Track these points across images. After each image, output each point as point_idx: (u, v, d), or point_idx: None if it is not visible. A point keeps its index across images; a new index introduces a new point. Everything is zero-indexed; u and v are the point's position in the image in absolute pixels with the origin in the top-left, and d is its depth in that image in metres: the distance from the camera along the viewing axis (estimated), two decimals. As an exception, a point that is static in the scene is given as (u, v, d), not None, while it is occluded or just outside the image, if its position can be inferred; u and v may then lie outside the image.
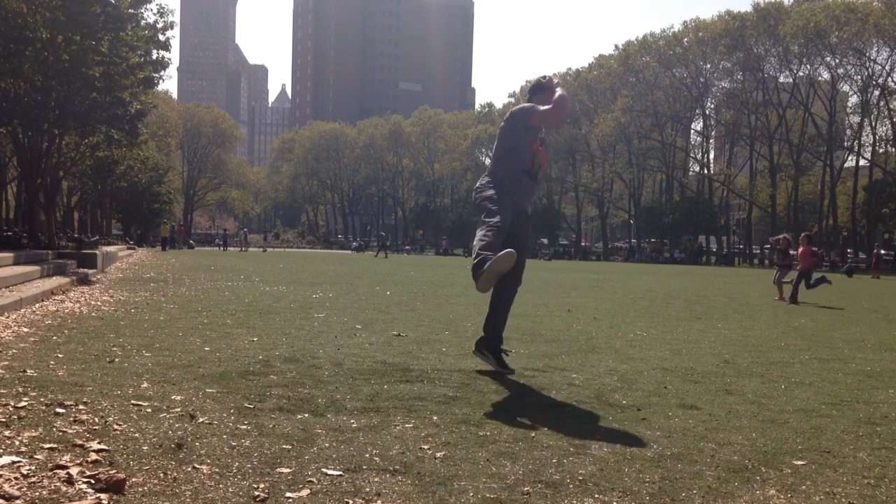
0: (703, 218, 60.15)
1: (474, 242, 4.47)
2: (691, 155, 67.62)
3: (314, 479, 2.57)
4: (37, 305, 8.06)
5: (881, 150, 54.76)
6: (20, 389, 3.75)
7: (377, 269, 23.90)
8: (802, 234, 15.66)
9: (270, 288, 12.50)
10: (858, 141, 54.94)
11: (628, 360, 5.69)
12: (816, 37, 52.34)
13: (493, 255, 4.20)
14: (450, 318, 8.37)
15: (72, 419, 3.19)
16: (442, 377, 4.63)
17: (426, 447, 3.02)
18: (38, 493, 2.30)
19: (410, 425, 3.38)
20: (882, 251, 41.38)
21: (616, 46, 69.31)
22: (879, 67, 52.61)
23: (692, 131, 67.75)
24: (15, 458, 2.60)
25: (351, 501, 2.38)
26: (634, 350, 6.24)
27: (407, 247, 77.12)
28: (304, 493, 2.43)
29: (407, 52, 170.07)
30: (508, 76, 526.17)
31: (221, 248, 54.18)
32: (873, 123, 54.08)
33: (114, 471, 2.49)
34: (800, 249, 15.13)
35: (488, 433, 3.29)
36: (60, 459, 2.62)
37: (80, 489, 2.35)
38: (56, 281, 10.68)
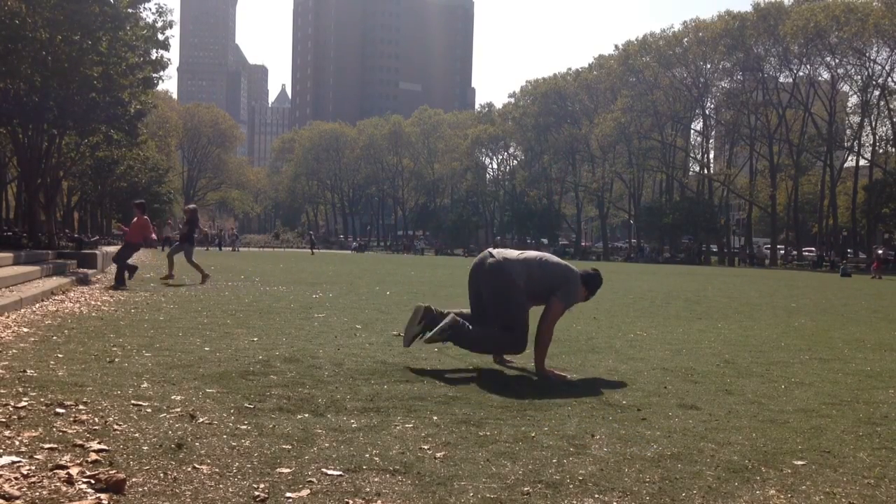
0: (703, 218, 60.14)
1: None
2: (691, 155, 67.60)
3: (314, 479, 2.56)
4: (37, 305, 8.06)
5: (881, 150, 54.70)
6: (20, 389, 3.75)
7: (378, 269, 23.89)
8: (137, 202, 12.75)
9: (270, 288, 12.50)
10: (858, 141, 54.90)
11: (628, 360, 5.68)
12: (816, 37, 52.30)
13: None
14: (450, 318, 8.37)
15: (72, 419, 3.19)
16: (442, 377, 4.63)
17: (426, 447, 3.02)
18: (38, 493, 2.30)
19: (410, 425, 3.38)
20: (881, 251, 41.27)
21: (616, 46, 69.28)
22: (879, 67, 52.58)
23: (692, 131, 67.74)
24: (15, 458, 2.60)
25: (351, 501, 2.38)
26: (634, 350, 6.24)
27: (354, 244, 77.00)
28: (304, 493, 2.43)
29: (407, 52, 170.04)
30: (508, 76, 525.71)
31: (218, 248, 54.14)
32: (873, 123, 54.04)
33: (114, 471, 2.48)
34: (134, 220, 12.43)
35: (488, 433, 3.29)
36: (60, 459, 2.62)
37: (80, 489, 2.35)
38: (56, 281, 10.67)
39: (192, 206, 14.67)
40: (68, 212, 41.35)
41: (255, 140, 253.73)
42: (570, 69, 75.47)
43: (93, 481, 2.40)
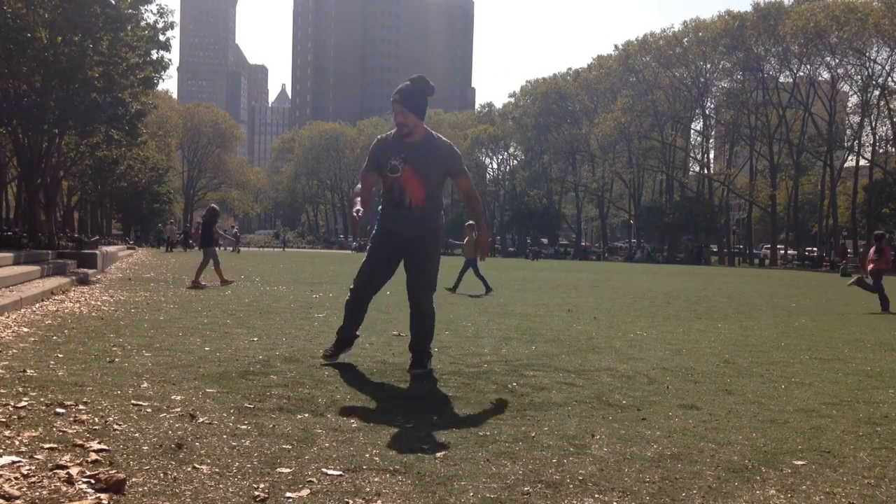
0: (703, 218, 60.16)
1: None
2: (691, 155, 67.63)
3: (314, 479, 2.56)
4: (37, 305, 8.06)
5: (881, 150, 54.71)
6: (20, 389, 3.75)
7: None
8: (879, 232, 12.66)
9: (270, 288, 12.50)
10: (858, 141, 54.92)
11: (628, 360, 5.68)
12: (816, 37, 52.33)
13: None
14: (450, 318, 8.37)
15: (72, 419, 3.19)
16: (442, 377, 4.63)
17: (426, 447, 3.02)
18: (38, 493, 2.30)
19: (410, 425, 3.38)
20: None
21: (616, 46, 69.35)
22: (879, 67, 52.61)
23: (692, 131, 67.76)
24: (15, 458, 2.60)
25: (351, 501, 2.38)
26: (634, 350, 6.24)
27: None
28: (304, 493, 2.43)
29: (407, 52, 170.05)
30: (508, 76, 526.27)
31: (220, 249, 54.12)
32: (873, 123, 54.06)
33: (114, 471, 2.48)
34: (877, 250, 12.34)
35: (488, 433, 3.29)
36: (60, 459, 2.62)
37: (80, 489, 2.35)
38: (56, 281, 10.67)
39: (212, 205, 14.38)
40: (68, 212, 41.33)
41: (255, 140, 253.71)
42: (569, 69, 75.58)
43: (93, 481, 2.40)
